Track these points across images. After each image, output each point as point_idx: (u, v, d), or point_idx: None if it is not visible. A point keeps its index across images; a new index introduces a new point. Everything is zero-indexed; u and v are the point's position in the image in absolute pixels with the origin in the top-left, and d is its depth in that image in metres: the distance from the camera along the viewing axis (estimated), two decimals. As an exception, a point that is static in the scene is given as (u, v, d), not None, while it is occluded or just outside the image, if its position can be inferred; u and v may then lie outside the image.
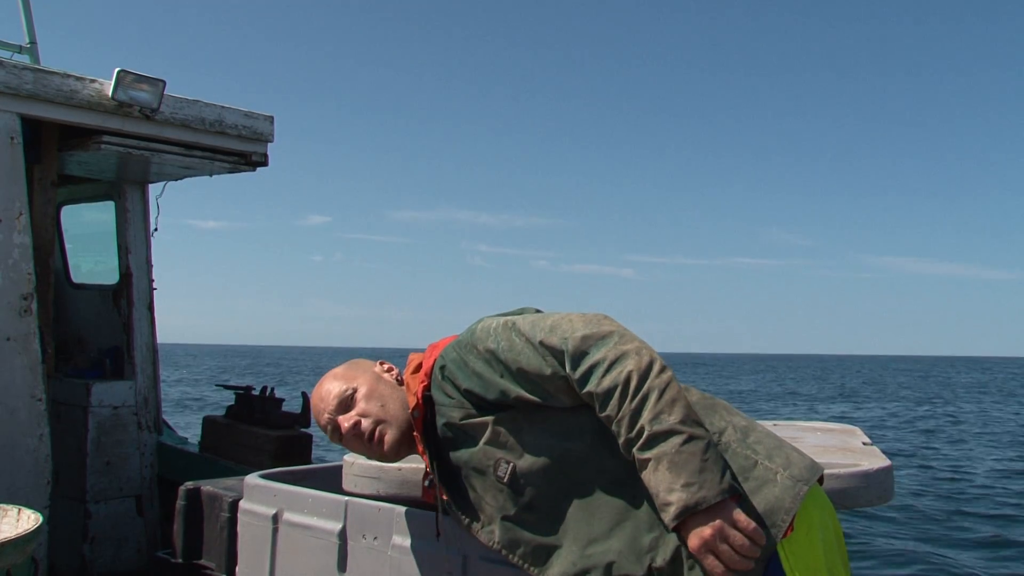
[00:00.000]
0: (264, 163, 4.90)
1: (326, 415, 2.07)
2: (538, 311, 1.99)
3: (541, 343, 1.80)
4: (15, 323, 4.03)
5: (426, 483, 2.08)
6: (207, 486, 3.07)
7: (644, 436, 1.67)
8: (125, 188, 5.23)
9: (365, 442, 2.04)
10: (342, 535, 2.40)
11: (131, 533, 4.98)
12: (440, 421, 1.95)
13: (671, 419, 1.67)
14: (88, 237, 5.76)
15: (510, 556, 1.92)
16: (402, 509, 2.28)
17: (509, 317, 1.93)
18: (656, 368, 1.72)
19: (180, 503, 3.09)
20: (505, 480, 1.88)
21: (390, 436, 2.02)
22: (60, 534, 4.72)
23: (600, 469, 1.81)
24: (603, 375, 1.72)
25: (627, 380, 1.70)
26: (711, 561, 1.64)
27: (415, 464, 2.36)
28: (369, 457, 2.12)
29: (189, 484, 3.13)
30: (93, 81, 4.19)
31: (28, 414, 4.08)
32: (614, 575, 1.78)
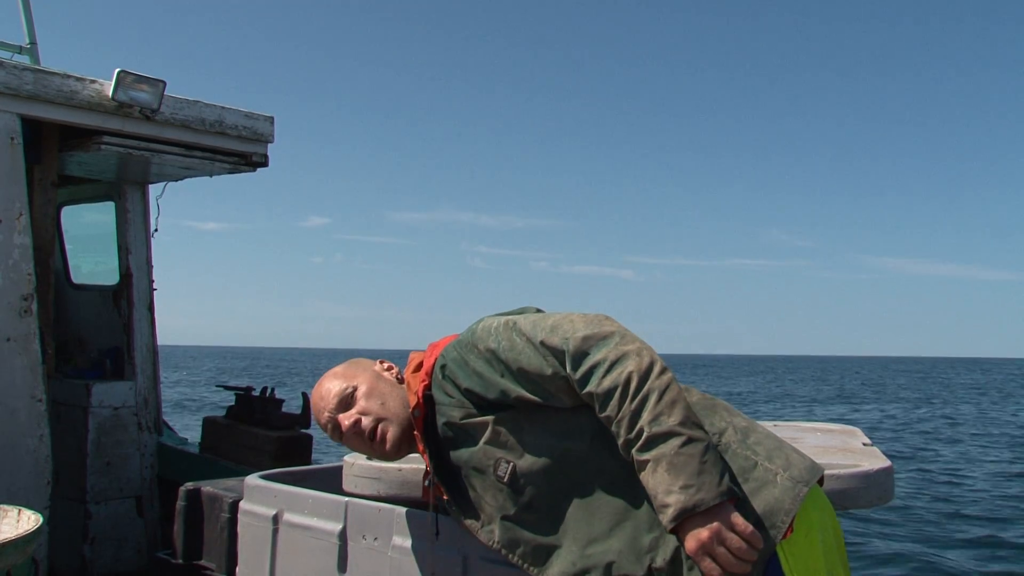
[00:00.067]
0: (264, 163, 4.90)
1: (326, 413, 2.08)
2: (539, 311, 1.99)
3: (542, 343, 1.80)
4: (15, 324, 4.03)
5: (426, 482, 2.08)
6: (207, 487, 3.07)
7: (643, 437, 1.67)
8: (125, 189, 5.23)
9: (366, 440, 2.04)
10: (342, 536, 2.40)
11: (131, 534, 4.98)
12: (440, 420, 1.95)
13: (670, 421, 1.67)
14: (88, 238, 5.76)
15: (510, 556, 1.92)
16: (402, 510, 2.29)
17: (510, 317, 1.93)
18: (656, 369, 1.72)
19: (180, 504, 3.09)
20: (505, 480, 1.88)
21: (391, 434, 2.02)
22: (60, 535, 4.71)
23: (600, 469, 1.81)
24: (603, 376, 1.72)
25: (627, 381, 1.70)
26: (708, 564, 1.64)
27: (415, 465, 2.36)
28: (369, 455, 2.12)
29: (189, 485, 3.13)
30: (93, 82, 4.19)
31: (28, 415, 4.08)
32: (614, 575, 1.78)
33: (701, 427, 1.72)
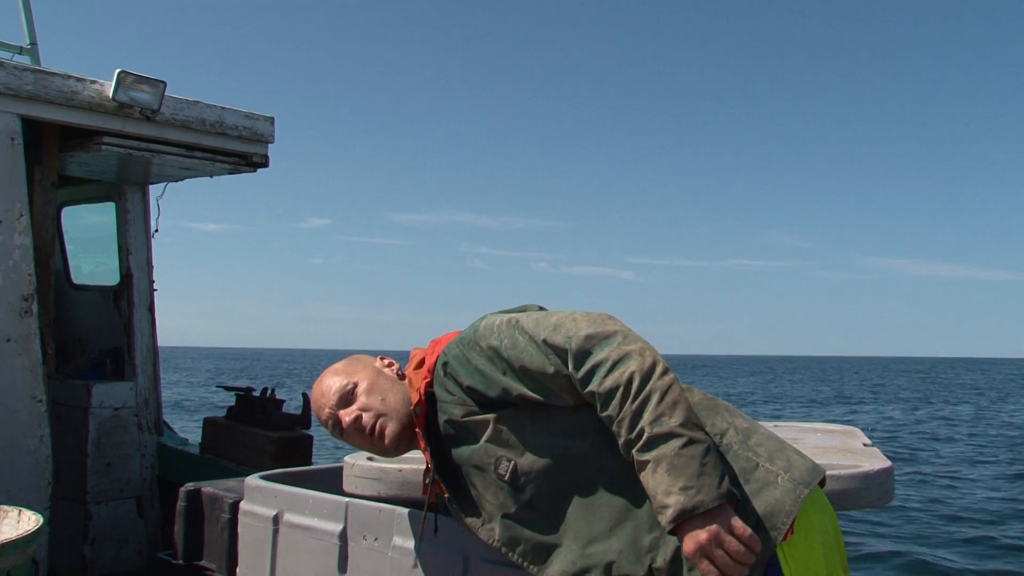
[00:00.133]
0: (265, 164, 4.90)
1: (327, 410, 2.07)
2: (541, 308, 1.99)
3: (544, 341, 1.80)
4: (15, 324, 4.04)
5: (427, 480, 2.07)
6: (208, 487, 3.07)
7: (644, 438, 1.67)
8: (125, 189, 5.23)
9: (366, 436, 2.03)
10: (343, 536, 2.40)
11: (132, 534, 4.98)
12: (442, 418, 1.95)
13: (672, 422, 1.67)
14: (89, 238, 5.76)
15: (510, 554, 1.92)
16: (403, 510, 2.29)
17: (513, 314, 1.93)
18: (659, 370, 1.72)
19: (181, 504, 3.10)
20: (506, 478, 1.88)
21: (391, 430, 2.02)
22: (61, 535, 4.71)
23: (601, 468, 1.81)
24: (605, 375, 1.72)
25: (629, 381, 1.69)
26: (706, 566, 1.64)
27: (415, 465, 2.36)
28: (370, 451, 2.11)
29: (190, 485, 3.13)
30: (94, 82, 4.19)
31: (29, 415, 4.08)
32: (614, 575, 1.78)
33: (702, 429, 1.72)
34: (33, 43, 5.12)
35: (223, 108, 4.66)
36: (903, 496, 12.28)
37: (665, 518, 1.65)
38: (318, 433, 5.16)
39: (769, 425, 2.94)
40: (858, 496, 2.15)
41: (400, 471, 2.41)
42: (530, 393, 1.83)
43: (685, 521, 1.64)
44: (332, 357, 2.22)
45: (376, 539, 2.33)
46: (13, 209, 4.04)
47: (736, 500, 1.69)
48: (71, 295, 5.63)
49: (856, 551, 8.90)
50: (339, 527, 2.41)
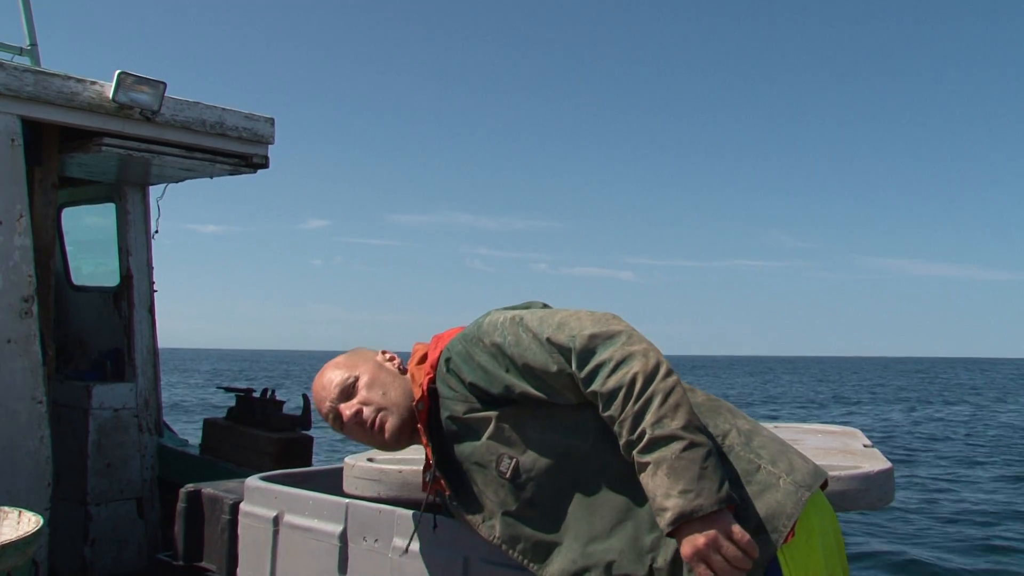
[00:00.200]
0: (265, 165, 4.90)
1: (328, 403, 2.07)
2: (545, 305, 1.99)
3: (548, 340, 1.80)
4: (16, 325, 4.03)
5: (427, 476, 2.06)
6: (208, 488, 3.07)
7: (645, 439, 1.67)
8: (126, 190, 5.22)
9: (367, 430, 2.03)
10: (343, 537, 2.41)
11: (132, 535, 4.97)
12: (444, 414, 1.95)
13: (673, 424, 1.66)
14: (89, 240, 5.76)
15: (510, 552, 1.92)
16: (403, 511, 2.29)
17: (517, 312, 1.92)
18: (662, 372, 1.71)
19: (181, 505, 3.10)
20: (507, 475, 1.87)
21: (391, 424, 2.02)
22: (61, 536, 4.71)
23: (603, 467, 1.81)
24: (608, 375, 1.72)
25: (632, 382, 1.69)
26: (703, 570, 1.64)
27: (415, 467, 2.36)
28: (370, 445, 2.11)
29: (190, 486, 3.13)
30: (94, 83, 4.19)
31: (29, 416, 4.07)
32: (614, 574, 1.78)
33: (704, 432, 1.71)
34: (33, 44, 5.12)
35: (223, 109, 4.66)
36: (900, 496, 12.28)
37: (664, 521, 1.65)
38: (318, 434, 5.16)
39: (769, 426, 2.94)
40: (858, 497, 2.15)
41: (400, 472, 2.41)
42: (533, 391, 1.83)
43: (683, 524, 1.64)
44: (331, 358, 2.22)
45: (376, 540, 2.33)
46: (13, 210, 4.04)
47: (736, 505, 1.68)
48: (71, 296, 5.63)
49: (854, 551, 8.90)
50: (339, 528, 2.41)
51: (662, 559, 1.74)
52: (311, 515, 2.51)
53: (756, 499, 1.73)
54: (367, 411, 2.02)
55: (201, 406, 27.00)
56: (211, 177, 5.00)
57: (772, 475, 1.76)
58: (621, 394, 1.70)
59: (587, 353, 1.75)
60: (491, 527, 1.94)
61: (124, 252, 5.22)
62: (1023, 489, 13.97)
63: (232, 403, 5.24)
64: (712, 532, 1.62)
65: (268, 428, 4.88)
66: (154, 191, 5.33)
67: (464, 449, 1.94)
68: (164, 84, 4.29)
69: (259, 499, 2.69)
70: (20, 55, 5.03)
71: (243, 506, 2.75)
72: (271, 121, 4.87)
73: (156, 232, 5.32)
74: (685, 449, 1.65)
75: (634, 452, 1.69)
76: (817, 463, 1.88)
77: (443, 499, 2.07)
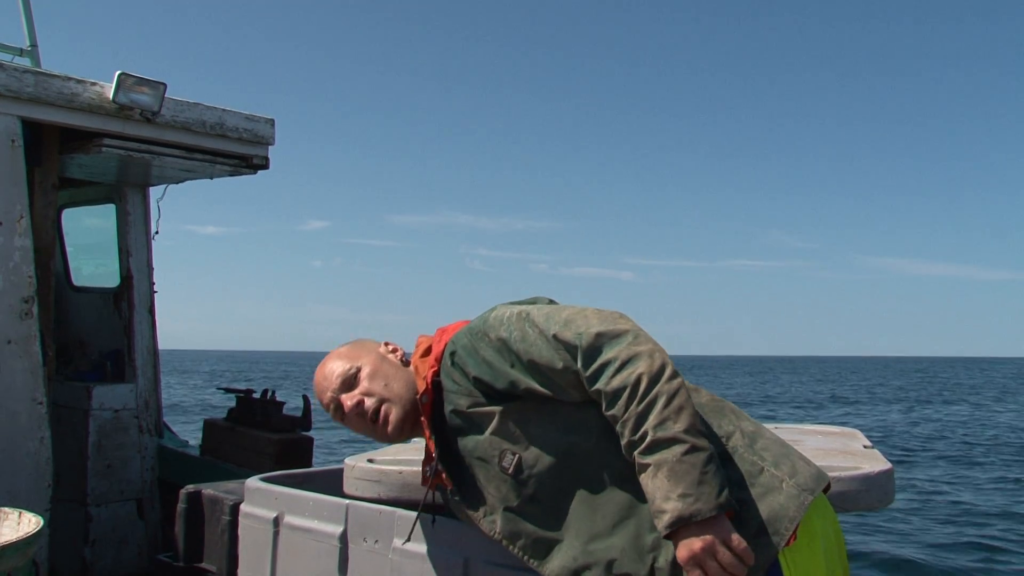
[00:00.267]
0: (265, 166, 4.90)
1: (329, 393, 2.06)
2: (552, 301, 1.98)
3: (554, 336, 1.79)
4: (16, 326, 4.04)
5: (427, 471, 2.05)
6: (208, 489, 3.07)
7: (647, 441, 1.67)
8: (126, 191, 5.22)
9: (367, 421, 2.02)
10: (343, 538, 2.41)
11: (132, 536, 4.97)
12: (448, 407, 1.94)
13: (676, 427, 1.66)
14: (89, 241, 5.76)
15: (510, 547, 1.91)
16: (403, 512, 2.29)
17: (523, 307, 1.91)
18: (667, 373, 1.71)
19: (181, 506, 3.09)
20: (510, 471, 1.87)
21: (394, 416, 2.01)
22: (61, 537, 4.71)
23: (605, 466, 1.81)
24: (613, 374, 1.71)
25: (636, 382, 1.69)
26: (697, 575, 1.64)
27: (416, 468, 2.36)
28: (370, 436, 2.10)
29: (190, 487, 3.13)
30: (94, 84, 4.19)
31: (29, 417, 4.08)
32: (615, 573, 1.78)
33: (706, 437, 1.71)
34: (33, 45, 5.12)
35: (223, 110, 4.66)
36: (899, 497, 12.27)
37: (661, 523, 1.65)
38: (318, 435, 5.16)
39: (770, 427, 2.95)
40: (858, 498, 2.15)
41: (400, 474, 2.42)
42: (537, 387, 1.83)
43: (681, 528, 1.64)
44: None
45: (376, 541, 2.33)
46: (13, 211, 4.04)
47: (734, 511, 1.68)
48: (71, 297, 5.64)
49: (854, 551, 8.91)
50: (339, 529, 2.41)
51: (663, 559, 1.74)
52: (311, 516, 2.51)
53: (759, 501, 1.73)
54: (369, 402, 2.01)
55: (201, 407, 26.99)
56: (211, 178, 5.01)
57: (775, 478, 1.76)
58: (625, 394, 1.69)
59: (593, 351, 1.75)
60: (492, 522, 1.93)
61: (124, 253, 5.22)
62: (1022, 489, 13.97)
63: (232, 404, 5.24)
64: (709, 537, 1.62)
65: (268, 429, 4.88)
66: (154, 192, 5.34)
67: (467, 443, 1.93)
68: (164, 85, 4.29)
69: (259, 500, 2.69)
70: (20, 56, 5.04)
71: (243, 507, 2.75)
72: (271, 122, 4.87)
73: (156, 233, 5.33)
74: (686, 453, 1.65)
75: (635, 453, 1.69)
76: (817, 464, 1.88)
77: (444, 494, 2.06)
